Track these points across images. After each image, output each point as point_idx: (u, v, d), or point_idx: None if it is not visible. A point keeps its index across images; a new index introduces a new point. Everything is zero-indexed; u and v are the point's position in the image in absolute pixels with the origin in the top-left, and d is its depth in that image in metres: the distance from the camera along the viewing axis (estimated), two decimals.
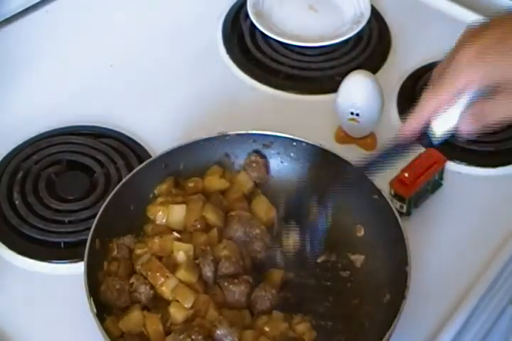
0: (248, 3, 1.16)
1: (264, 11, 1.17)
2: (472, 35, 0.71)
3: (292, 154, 0.93)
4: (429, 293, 0.87)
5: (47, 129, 1.03)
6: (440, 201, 0.96)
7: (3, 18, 1.02)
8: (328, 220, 0.83)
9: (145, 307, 0.81)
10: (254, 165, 0.93)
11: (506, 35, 0.69)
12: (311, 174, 0.92)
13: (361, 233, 0.89)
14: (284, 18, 1.17)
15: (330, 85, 1.05)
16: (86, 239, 0.82)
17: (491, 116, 0.71)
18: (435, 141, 0.74)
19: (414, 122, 0.74)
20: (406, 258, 0.80)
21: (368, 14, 1.14)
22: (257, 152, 0.94)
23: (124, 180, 0.88)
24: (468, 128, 0.72)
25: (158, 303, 0.81)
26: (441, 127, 0.73)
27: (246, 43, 1.16)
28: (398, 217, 0.83)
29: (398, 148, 0.77)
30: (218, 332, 0.77)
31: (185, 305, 0.79)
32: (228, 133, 0.92)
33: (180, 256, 0.82)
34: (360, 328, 0.82)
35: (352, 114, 0.97)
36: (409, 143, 0.76)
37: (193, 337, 0.75)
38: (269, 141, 0.93)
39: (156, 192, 0.90)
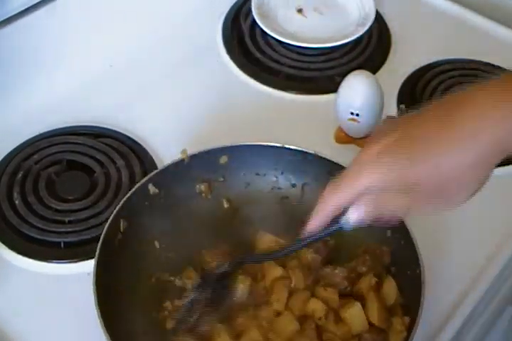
0: (253, 4, 1.16)
1: (268, 11, 1.17)
2: (382, 131, 0.67)
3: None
4: (429, 292, 0.87)
5: (47, 129, 1.03)
6: None
7: (4, 18, 1.02)
8: None
9: None
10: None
11: (406, 135, 0.65)
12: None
13: None
14: (289, 20, 1.18)
15: (330, 85, 1.05)
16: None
17: (383, 208, 0.68)
18: (347, 228, 0.70)
19: (317, 221, 0.70)
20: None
21: (372, 16, 1.14)
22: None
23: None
24: (360, 217, 0.69)
25: None
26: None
27: (246, 43, 1.16)
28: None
29: (307, 241, 0.74)
30: None
31: None
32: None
33: None
34: None
35: (352, 114, 0.97)
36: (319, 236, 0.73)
37: None
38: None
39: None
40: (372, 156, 0.65)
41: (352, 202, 0.68)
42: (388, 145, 0.65)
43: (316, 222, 0.71)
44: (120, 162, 0.98)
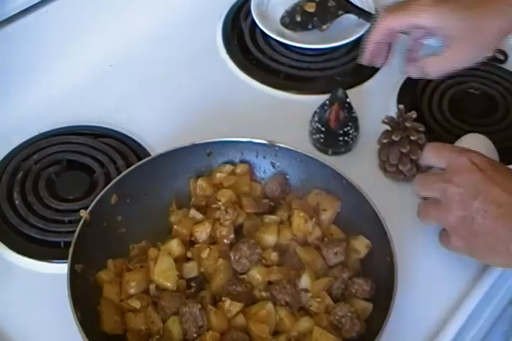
0: (252, 5, 1.16)
1: (268, 12, 1.17)
2: None
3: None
4: (429, 292, 0.87)
5: (47, 129, 1.03)
6: None
7: (3, 18, 1.02)
8: None
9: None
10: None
11: None
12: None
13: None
14: None
15: (330, 85, 1.05)
16: None
17: (431, 70, 0.91)
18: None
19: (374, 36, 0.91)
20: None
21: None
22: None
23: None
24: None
25: None
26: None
27: (246, 43, 1.16)
28: (379, 214, 0.84)
29: None
30: None
31: None
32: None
33: None
34: None
35: None
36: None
37: None
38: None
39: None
40: None
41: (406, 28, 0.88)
42: None
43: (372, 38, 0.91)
44: (120, 162, 0.98)
